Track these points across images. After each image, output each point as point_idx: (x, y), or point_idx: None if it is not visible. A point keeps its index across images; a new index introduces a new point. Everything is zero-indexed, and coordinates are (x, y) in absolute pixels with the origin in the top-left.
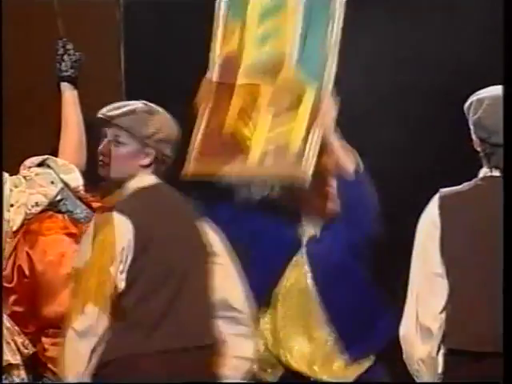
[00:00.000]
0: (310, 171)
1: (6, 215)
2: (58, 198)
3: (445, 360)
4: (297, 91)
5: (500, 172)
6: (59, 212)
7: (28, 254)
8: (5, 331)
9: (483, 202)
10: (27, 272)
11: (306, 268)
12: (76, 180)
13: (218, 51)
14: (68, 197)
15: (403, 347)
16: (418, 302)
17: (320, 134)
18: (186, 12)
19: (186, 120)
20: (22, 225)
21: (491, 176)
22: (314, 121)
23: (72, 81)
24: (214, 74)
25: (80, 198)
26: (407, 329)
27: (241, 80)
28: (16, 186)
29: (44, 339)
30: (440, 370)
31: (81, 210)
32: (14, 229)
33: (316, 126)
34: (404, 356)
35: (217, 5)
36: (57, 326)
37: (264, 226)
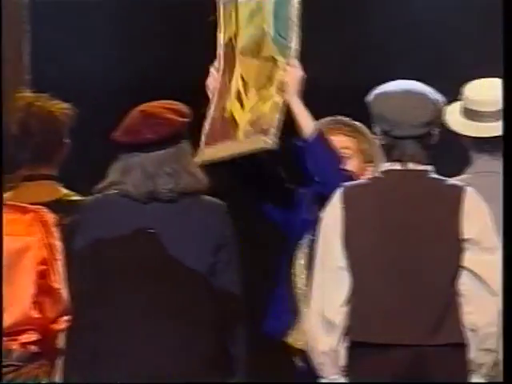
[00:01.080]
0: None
1: None
2: None
3: (348, 353)
4: (272, 66)
5: (401, 165)
6: None
7: None
8: None
9: (384, 195)
10: None
11: None
12: None
13: (221, 40)
14: None
15: (308, 340)
16: (322, 295)
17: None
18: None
19: None
20: None
21: (392, 169)
22: (282, 83)
23: None
24: (219, 61)
25: None
26: (310, 322)
27: (238, 63)
28: None
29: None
30: (343, 362)
31: None
32: None
33: (282, 88)
34: (308, 349)
35: None
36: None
37: None
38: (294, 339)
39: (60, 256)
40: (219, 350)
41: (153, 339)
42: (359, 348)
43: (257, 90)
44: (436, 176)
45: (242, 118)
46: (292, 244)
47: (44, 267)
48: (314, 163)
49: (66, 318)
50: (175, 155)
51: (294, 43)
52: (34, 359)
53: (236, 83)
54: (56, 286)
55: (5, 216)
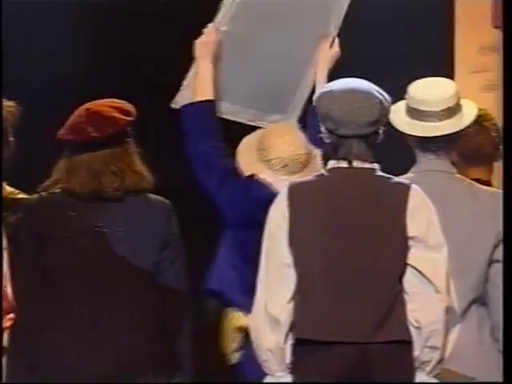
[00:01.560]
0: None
1: None
2: None
3: (293, 350)
4: None
5: (347, 163)
6: None
7: None
8: None
9: (330, 192)
10: None
11: None
12: None
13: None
14: None
15: (252, 337)
16: (267, 292)
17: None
18: None
19: None
20: None
21: (338, 167)
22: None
23: None
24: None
25: None
26: (256, 318)
27: None
28: None
29: None
30: (288, 359)
31: None
32: None
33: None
34: (253, 345)
35: None
36: None
37: None
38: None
39: (4, 255)
40: (165, 348)
41: (99, 338)
42: (304, 345)
43: None
44: (382, 174)
45: None
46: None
47: None
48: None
49: (10, 316)
50: (120, 154)
51: None
52: None
53: None
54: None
55: None
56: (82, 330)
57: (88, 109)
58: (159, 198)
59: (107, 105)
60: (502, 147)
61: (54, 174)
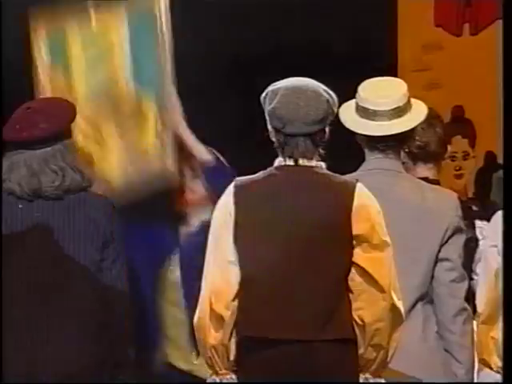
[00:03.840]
0: (174, 167)
1: None
2: None
3: (237, 347)
4: (137, 103)
5: (293, 161)
6: None
7: None
8: None
9: (275, 190)
10: None
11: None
12: None
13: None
14: None
15: (196, 335)
16: (212, 290)
17: (171, 131)
18: None
19: None
20: None
21: (285, 165)
22: (163, 122)
23: None
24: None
25: None
26: (200, 316)
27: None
28: None
29: None
30: (232, 357)
31: None
32: None
33: (165, 126)
34: (197, 344)
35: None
36: None
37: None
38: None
39: None
40: (108, 349)
41: (44, 338)
42: (248, 343)
43: (117, 125)
44: (327, 172)
45: (108, 149)
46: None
47: None
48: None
49: None
50: (61, 152)
51: (166, 80)
52: None
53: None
54: None
55: None
56: (27, 330)
57: (28, 107)
58: (100, 196)
59: (48, 102)
60: (502, 147)
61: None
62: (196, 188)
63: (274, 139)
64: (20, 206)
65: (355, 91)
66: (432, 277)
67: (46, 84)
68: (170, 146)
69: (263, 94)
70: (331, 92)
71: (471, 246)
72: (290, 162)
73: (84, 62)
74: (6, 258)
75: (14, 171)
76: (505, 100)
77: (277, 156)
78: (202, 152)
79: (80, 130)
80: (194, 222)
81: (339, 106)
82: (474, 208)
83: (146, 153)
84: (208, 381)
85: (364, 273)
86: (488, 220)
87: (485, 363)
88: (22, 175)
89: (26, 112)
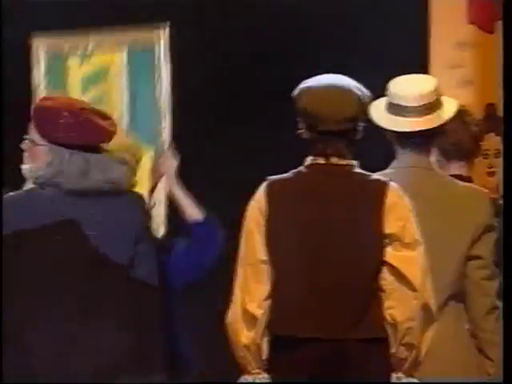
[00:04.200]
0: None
1: None
2: None
3: (269, 347)
4: (133, 152)
5: (324, 160)
6: None
7: None
8: None
9: (307, 189)
10: None
11: None
12: None
13: None
14: None
15: (229, 334)
16: (244, 289)
17: (165, 189)
18: None
19: None
20: None
21: (317, 164)
22: (157, 178)
23: None
24: None
25: None
26: (233, 315)
27: None
28: None
29: None
30: (265, 356)
31: None
32: None
33: (159, 182)
34: (230, 343)
35: (35, 78)
36: None
37: None
38: None
39: None
40: (140, 346)
41: (75, 335)
42: (280, 342)
43: None
44: (359, 171)
45: None
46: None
47: None
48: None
49: None
50: (104, 153)
51: (165, 132)
52: None
53: None
54: None
55: None
56: (58, 326)
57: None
58: (135, 192)
59: (96, 113)
60: (502, 145)
61: (41, 170)
62: None
63: (305, 137)
64: (54, 201)
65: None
66: (463, 275)
67: None
68: (161, 202)
69: (295, 92)
70: (364, 89)
71: None
72: (322, 161)
73: (81, 97)
74: (34, 254)
75: (62, 169)
76: (505, 100)
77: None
78: (192, 208)
79: None
80: None
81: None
82: None
83: None
84: (240, 380)
85: (396, 271)
86: None
87: None
88: (70, 173)
89: (77, 119)
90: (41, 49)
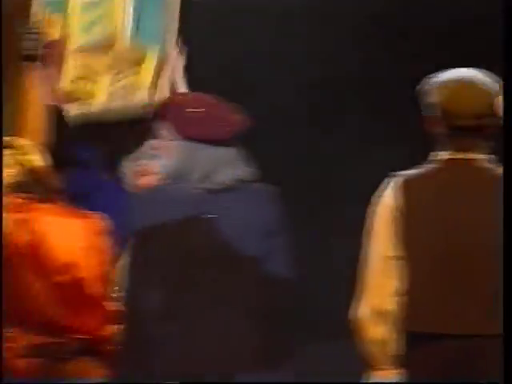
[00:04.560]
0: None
1: None
2: (21, 178)
3: (401, 342)
4: (136, 54)
5: (459, 155)
6: (22, 193)
7: None
8: None
9: (442, 184)
10: None
11: None
12: (39, 161)
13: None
14: (31, 178)
15: (357, 330)
16: (375, 285)
17: (168, 80)
18: None
19: None
20: None
21: (450, 159)
22: (161, 71)
23: (36, 60)
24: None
25: (42, 179)
26: (362, 311)
27: (71, 57)
28: None
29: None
30: (395, 352)
31: (43, 191)
32: None
33: (164, 73)
34: (358, 339)
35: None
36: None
37: None
38: None
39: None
40: (272, 339)
41: (204, 327)
42: (415, 338)
43: (115, 73)
44: (494, 166)
45: (98, 90)
46: None
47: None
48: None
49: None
50: (234, 148)
51: (172, 30)
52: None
53: (72, 70)
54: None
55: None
56: (187, 318)
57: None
58: (265, 185)
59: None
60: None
61: (172, 165)
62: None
63: (439, 131)
64: (184, 197)
65: None
66: None
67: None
68: (163, 89)
69: (425, 85)
70: (496, 83)
71: None
72: (459, 156)
73: (81, 19)
74: (165, 248)
75: (193, 164)
76: (505, 101)
77: None
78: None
79: (74, 65)
80: None
81: None
82: None
83: (135, 92)
84: (368, 376)
85: None
86: None
87: None
88: (200, 168)
89: (209, 115)
90: None
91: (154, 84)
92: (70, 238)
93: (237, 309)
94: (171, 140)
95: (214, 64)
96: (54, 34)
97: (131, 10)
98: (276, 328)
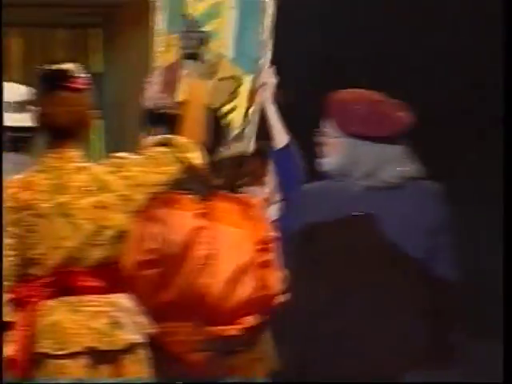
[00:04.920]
0: (250, 147)
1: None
2: (180, 176)
3: None
4: (235, 83)
5: None
6: (180, 190)
7: (157, 233)
8: (129, 310)
9: None
10: (157, 253)
11: None
12: (198, 158)
13: (158, 63)
14: (189, 175)
15: None
16: None
17: (258, 109)
18: None
19: None
20: (145, 204)
21: None
22: (253, 101)
23: (196, 58)
24: (155, 83)
25: (201, 177)
26: None
27: (183, 85)
28: (140, 166)
29: (167, 321)
30: None
31: (202, 188)
32: (138, 209)
33: (255, 103)
34: None
35: (154, 19)
36: (178, 306)
37: None
38: None
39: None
40: (436, 340)
41: (367, 326)
42: None
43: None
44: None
45: None
46: None
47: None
48: (279, 171)
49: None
50: (399, 145)
51: (267, 57)
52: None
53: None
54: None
55: (219, 204)
56: (350, 316)
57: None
58: (429, 182)
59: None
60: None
61: (335, 162)
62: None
63: None
64: (348, 194)
65: None
66: None
67: (159, 51)
68: (255, 123)
69: None
70: None
71: None
72: None
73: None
74: (329, 246)
75: (358, 161)
76: (505, 102)
77: None
78: (281, 132)
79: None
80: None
81: None
82: None
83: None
84: None
85: None
86: None
87: None
88: (364, 165)
89: (378, 110)
90: None
91: (246, 117)
92: (238, 246)
93: (401, 308)
94: (336, 137)
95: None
96: (169, 55)
97: (234, 29)
98: (441, 328)
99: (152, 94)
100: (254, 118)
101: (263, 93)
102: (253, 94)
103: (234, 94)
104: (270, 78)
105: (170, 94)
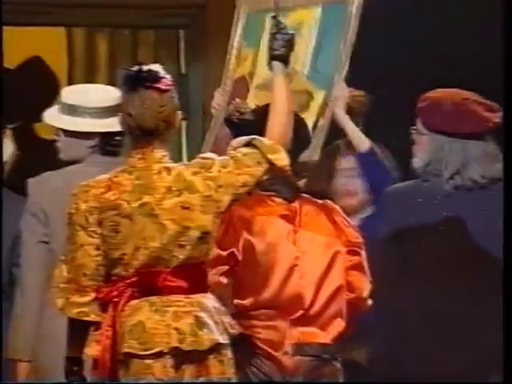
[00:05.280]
0: (316, 156)
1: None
2: (265, 178)
3: None
4: (306, 95)
5: None
6: (265, 191)
7: (245, 235)
8: (213, 311)
9: None
10: (244, 254)
11: None
12: (282, 160)
13: (230, 74)
14: (274, 177)
15: None
16: None
17: (329, 120)
18: None
19: None
20: (229, 206)
21: None
22: (324, 113)
23: (284, 60)
24: (225, 94)
25: (286, 178)
26: None
27: (252, 96)
28: (224, 167)
29: (255, 322)
30: None
31: (287, 190)
32: (222, 210)
33: (325, 114)
34: None
35: (232, 34)
36: (270, 307)
37: None
38: None
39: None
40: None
41: (461, 329)
42: None
43: None
44: None
45: None
46: None
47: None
48: (366, 175)
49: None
50: (487, 143)
51: (341, 75)
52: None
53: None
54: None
55: (304, 207)
56: (435, 320)
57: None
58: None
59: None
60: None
61: (427, 160)
62: (355, 189)
63: None
64: (435, 195)
65: None
66: None
67: (233, 66)
68: (322, 133)
69: None
70: None
71: None
72: None
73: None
74: (418, 250)
75: (439, 156)
76: (505, 102)
77: None
78: (361, 139)
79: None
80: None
81: None
82: None
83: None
84: None
85: None
86: None
87: None
88: (449, 162)
89: (465, 107)
90: (243, 7)
91: (315, 126)
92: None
93: (492, 310)
94: (424, 134)
95: None
96: (242, 68)
97: (312, 46)
98: None
99: (220, 101)
100: (324, 128)
101: (335, 107)
102: (324, 108)
103: (304, 108)
104: (342, 90)
105: (241, 102)
